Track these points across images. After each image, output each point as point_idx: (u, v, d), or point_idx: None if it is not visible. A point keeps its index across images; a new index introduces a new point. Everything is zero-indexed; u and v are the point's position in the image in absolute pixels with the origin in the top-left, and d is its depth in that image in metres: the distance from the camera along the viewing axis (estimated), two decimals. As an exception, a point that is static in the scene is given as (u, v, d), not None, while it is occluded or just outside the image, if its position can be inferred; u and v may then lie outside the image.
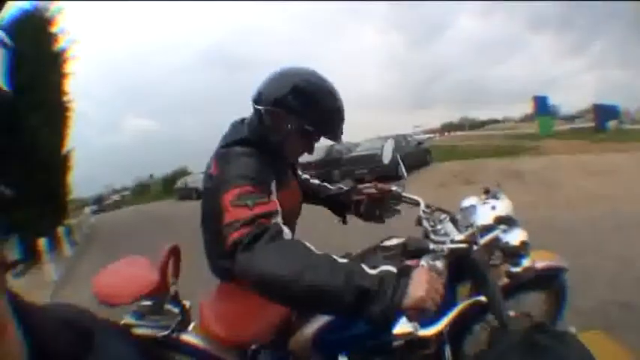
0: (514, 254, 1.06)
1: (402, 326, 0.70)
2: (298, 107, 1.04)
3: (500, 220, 1.10)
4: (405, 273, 0.75)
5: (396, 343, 1.08)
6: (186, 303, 1.26)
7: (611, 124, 18.25)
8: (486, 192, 1.22)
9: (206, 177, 1.12)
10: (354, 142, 13.91)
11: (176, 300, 1.24)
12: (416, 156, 12.84)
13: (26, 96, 8.80)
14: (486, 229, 1.09)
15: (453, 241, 1.00)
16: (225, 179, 0.95)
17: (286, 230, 0.86)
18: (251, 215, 0.84)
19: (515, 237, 1.05)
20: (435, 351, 1.11)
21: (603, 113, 19.11)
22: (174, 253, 1.24)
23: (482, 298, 0.91)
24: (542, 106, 20.03)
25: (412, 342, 1.11)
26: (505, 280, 1.15)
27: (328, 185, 1.54)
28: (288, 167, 1.25)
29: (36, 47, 9.45)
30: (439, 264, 0.87)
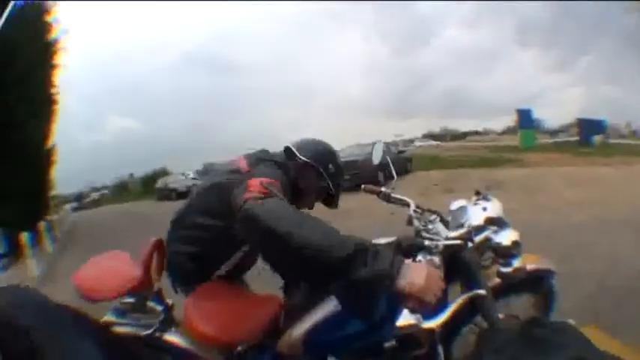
0: (505, 255, 1.06)
1: (406, 318, 0.68)
2: (329, 170, 1.33)
3: (492, 221, 1.10)
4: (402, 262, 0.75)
5: (387, 344, 1.07)
6: (170, 301, 1.21)
7: (597, 138, 18.63)
8: (477, 194, 1.23)
9: (226, 172, 1.27)
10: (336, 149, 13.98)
11: (160, 297, 1.19)
12: (397, 164, 12.99)
13: (17, 89, 8.56)
14: (478, 229, 1.09)
15: (447, 238, 0.99)
16: (257, 172, 1.07)
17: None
18: (269, 193, 0.88)
19: (506, 237, 1.05)
20: (426, 352, 1.10)
21: (588, 127, 19.54)
22: (158, 247, 1.19)
23: (482, 291, 0.89)
24: (525, 119, 20.48)
25: (404, 342, 1.10)
26: (496, 281, 1.15)
27: None
28: None
29: (31, 37, 9.19)
30: (435, 259, 0.86)
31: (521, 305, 1.47)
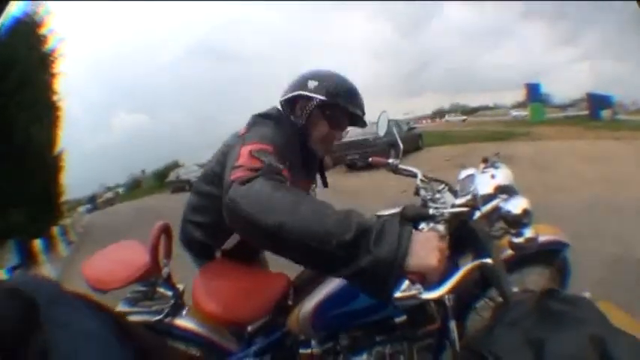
0: (516, 223, 1.02)
1: (405, 289, 0.63)
2: (319, 88, 1.14)
3: (501, 189, 1.06)
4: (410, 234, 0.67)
5: (397, 319, 1.05)
6: (180, 286, 1.21)
7: (605, 113, 18.26)
8: (484, 161, 1.18)
9: (234, 141, 1.11)
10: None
11: (169, 283, 1.19)
12: (408, 141, 12.80)
13: (16, 96, 8.81)
14: (487, 198, 1.05)
15: (454, 205, 0.96)
16: (251, 135, 0.98)
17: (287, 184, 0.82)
18: (260, 166, 0.81)
19: (516, 205, 0.99)
20: (438, 327, 1.08)
21: (597, 102, 19.14)
22: (165, 231, 1.19)
23: (489, 260, 0.86)
24: (534, 93, 20.24)
25: (415, 318, 1.08)
26: (508, 253, 1.12)
27: None
28: (310, 173, 1.31)
29: (26, 50, 9.49)
30: (440, 228, 0.83)
31: (534, 280, 1.42)
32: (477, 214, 1.02)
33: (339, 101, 1.14)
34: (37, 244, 6.63)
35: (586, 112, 19.78)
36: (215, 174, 1.16)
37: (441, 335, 1.09)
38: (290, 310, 1.08)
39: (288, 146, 1.03)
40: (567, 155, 8.51)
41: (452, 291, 0.68)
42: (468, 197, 1.00)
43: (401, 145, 1.41)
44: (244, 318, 1.07)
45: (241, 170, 0.80)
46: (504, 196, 1.05)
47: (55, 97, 11.18)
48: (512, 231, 1.03)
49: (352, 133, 12.84)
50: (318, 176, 1.42)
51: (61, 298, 0.46)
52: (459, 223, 0.98)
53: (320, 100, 1.13)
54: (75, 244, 9.50)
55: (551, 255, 1.37)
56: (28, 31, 10.05)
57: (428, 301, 0.65)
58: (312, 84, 1.15)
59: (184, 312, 1.16)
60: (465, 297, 1.21)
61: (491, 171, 1.13)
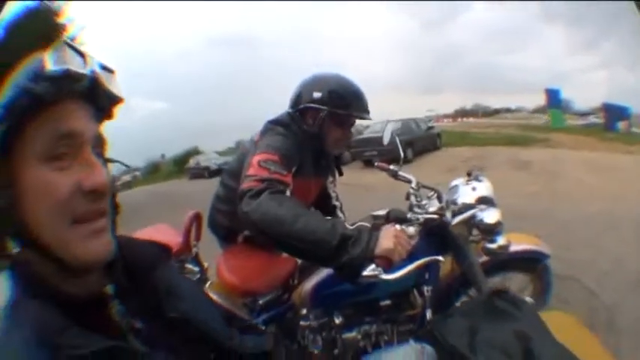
0: (488, 231, 1.21)
1: (370, 270, 0.87)
2: (325, 98, 1.27)
3: (480, 200, 1.25)
4: (376, 229, 0.93)
5: (382, 303, 1.26)
6: (206, 264, 1.45)
7: (621, 125, 17.71)
8: (469, 174, 1.36)
9: (251, 145, 1.32)
10: (364, 124, 13.81)
11: (197, 260, 1.43)
12: (426, 140, 12.96)
13: None
14: (467, 207, 1.24)
15: (427, 213, 1.15)
16: (263, 144, 1.18)
17: (287, 193, 1.04)
18: (267, 176, 1.04)
19: (490, 216, 1.20)
20: (416, 313, 1.28)
21: (613, 113, 18.45)
22: (197, 219, 1.42)
23: (440, 258, 1.05)
24: (553, 98, 19.75)
25: (399, 303, 1.28)
26: (484, 258, 1.29)
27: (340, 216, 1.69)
28: (323, 170, 1.47)
29: (43, 40, 9.69)
30: (411, 229, 1.03)
31: (520, 286, 1.57)
32: (456, 220, 1.22)
33: (347, 109, 1.29)
34: None
35: (602, 121, 19.20)
36: (236, 172, 1.33)
37: (419, 321, 1.26)
38: (294, 289, 1.30)
39: (297, 151, 1.21)
40: (579, 165, 8.48)
41: (406, 275, 0.91)
42: (438, 206, 1.18)
43: (402, 155, 1.51)
44: (258, 290, 1.30)
45: (251, 180, 1.03)
46: (483, 206, 1.25)
47: None
48: (486, 238, 1.23)
49: (371, 129, 12.76)
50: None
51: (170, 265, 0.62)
52: (438, 226, 1.17)
53: (329, 110, 1.27)
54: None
55: (529, 262, 1.51)
56: (44, 20, 10.39)
57: (387, 281, 0.89)
58: (317, 95, 1.28)
59: (207, 285, 1.39)
60: (446, 292, 1.38)
61: (474, 183, 1.32)
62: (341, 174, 1.61)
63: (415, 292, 1.27)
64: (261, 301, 1.30)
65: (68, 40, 0.43)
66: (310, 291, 1.24)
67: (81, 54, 0.43)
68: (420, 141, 12.39)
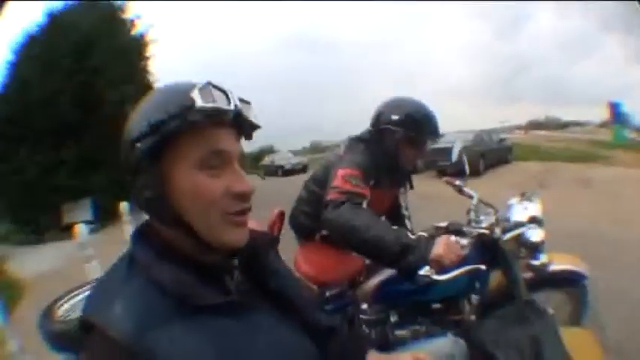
0: (531, 248, 1.34)
1: (425, 271, 1.09)
2: (401, 121, 1.46)
3: (530, 220, 1.37)
4: (433, 238, 1.14)
5: (434, 306, 1.41)
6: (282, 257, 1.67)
7: None
8: (522, 195, 1.49)
9: (335, 158, 1.55)
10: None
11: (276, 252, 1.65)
12: (497, 153, 12.90)
13: (106, 74, 9.64)
14: (518, 225, 1.36)
15: (480, 227, 1.31)
16: (347, 159, 1.41)
17: (364, 205, 1.26)
18: (349, 189, 1.26)
19: (535, 235, 1.33)
20: (463, 318, 1.41)
21: None
22: (280, 216, 1.65)
23: (482, 267, 1.22)
24: (616, 112, 18.44)
25: (448, 308, 1.42)
26: (529, 274, 1.39)
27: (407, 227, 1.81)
28: (396, 183, 1.66)
29: (107, 34, 10.22)
30: (463, 241, 1.20)
31: (559, 305, 1.62)
32: (507, 236, 1.35)
33: (420, 133, 1.48)
34: (123, 205, 7.00)
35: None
36: (321, 179, 1.57)
37: (465, 326, 1.38)
38: (360, 285, 1.50)
39: (375, 167, 1.41)
40: (636, 185, 8.03)
41: (454, 278, 1.13)
42: (488, 224, 1.32)
43: (467, 172, 1.66)
44: (329, 282, 1.51)
45: (335, 192, 1.26)
46: (532, 225, 1.37)
47: (149, 78, 12.04)
48: (530, 254, 1.36)
49: (445, 139, 12.57)
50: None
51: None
52: (490, 241, 1.31)
53: (404, 132, 1.45)
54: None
55: (568, 282, 1.59)
56: (107, 14, 10.78)
57: (438, 281, 1.12)
58: (394, 117, 1.47)
59: None
60: (492, 302, 1.45)
61: (526, 203, 1.45)
62: (412, 187, 1.80)
63: (464, 299, 1.41)
64: (328, 293, 1.49)
65: (212, 82, 0.55)
66: (373, 288, 1.43)
67: (224, 92, 0.55)
68: (491, 153, 12.29)
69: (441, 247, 1.10)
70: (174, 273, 0.53)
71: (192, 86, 0.53)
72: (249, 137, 0.62)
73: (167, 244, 0.56)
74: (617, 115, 18.44)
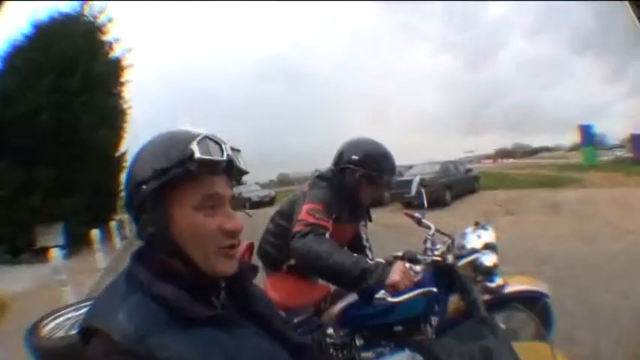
0: (487, 273, 1.44)
1: (380, 294, 1.18)
2: (361, 161, 1.58)
3: (485, 246, 1.48)
4: (389, 265, 1.25)
5: (396, 328, 1.48)
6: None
7: None
8: (476, 224, 1.61)
9: (300, 195, 1.63)
10: (406, 165, 13.87)
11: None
12: (464, 183, 13.20)
13: (81, 97, 9.45)
14: (472, 251, 1.47)
15: (433, 255, 1.42)
16: (311, 195, 1.52)
17: (327, 235, 1.37)
18: (313, 221, 1.39)
19: (488, 260, 1.44)
20: (424, 338, 1.46)
21: None
22: (250, 247, 1.70)
23: (434, 289, 1.27)
24: (586, 135, 19.30)
25: (409, 329, 1.49)
26: (486, 297, 1.49)
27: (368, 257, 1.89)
28: (357, 217, 1.75)
29: (89, 52, 10.04)
30: (417, 267, 1.32)
31: (520, 322, 1.68)
32: (461, 262, 1.45)
33: (378, 172, 1.58)
34: (95, 233, 7.06)
35: (630, 155, 18.31)
36: (287, 213, 1.67)
37: (425, 345, 1.47)
38: (325, 310, 1.57)
39: (337, 202, 1.53)
40: (606, 204, 8.44)
41: (408, 300, 1.22)
42: (440, 252, 1.44)
43: (425, 205, 1.77)
44: (295, 309, 1.57)
45: (301, 224, 1.38)
46: (485, 251, 1.48)
47: (122, 104, 11.92)
48: (485, 278, 1.46)
49: (411, 171, 12.56)
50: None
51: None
52: (445, 267, 1.41)
53: (363, 171, 1.57)
54: (129, 240, 10.25)
55: (530, 302, 1.66)
56: (89, 33, 10.55)
57: (395, 304, 1.21)
58: (354, 157, 1.59)
59: None
60: (452, 323, 1.50)
61: (480, 232, 1.56)
62: (370, 220, 1.91)
63: (424, 321, 1.48)
64: (296, 320, 1.54)
65: (208, 135, 0.62)
66: (337, 313, 1.51)
67: (218, 144, 0.62)
68: (458, 184, 12.59)
69: (396, 273, 1.22)
70: (172, 289, 0.60)
71: (192, 137, 0.61)
72: (239, 182, 0.71)
73: (164, 268, 0.64)
74: (588, 138, 19.31)
